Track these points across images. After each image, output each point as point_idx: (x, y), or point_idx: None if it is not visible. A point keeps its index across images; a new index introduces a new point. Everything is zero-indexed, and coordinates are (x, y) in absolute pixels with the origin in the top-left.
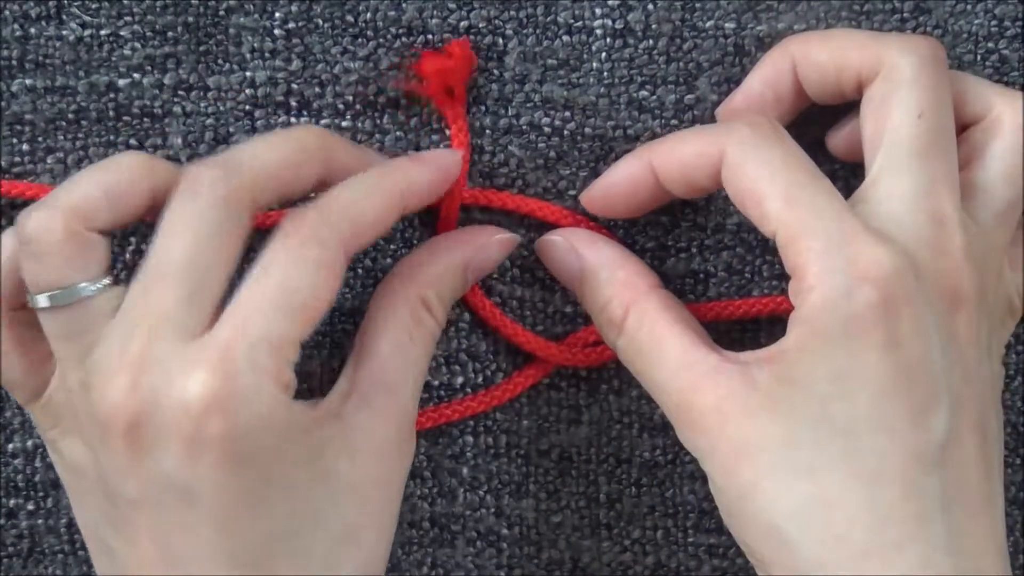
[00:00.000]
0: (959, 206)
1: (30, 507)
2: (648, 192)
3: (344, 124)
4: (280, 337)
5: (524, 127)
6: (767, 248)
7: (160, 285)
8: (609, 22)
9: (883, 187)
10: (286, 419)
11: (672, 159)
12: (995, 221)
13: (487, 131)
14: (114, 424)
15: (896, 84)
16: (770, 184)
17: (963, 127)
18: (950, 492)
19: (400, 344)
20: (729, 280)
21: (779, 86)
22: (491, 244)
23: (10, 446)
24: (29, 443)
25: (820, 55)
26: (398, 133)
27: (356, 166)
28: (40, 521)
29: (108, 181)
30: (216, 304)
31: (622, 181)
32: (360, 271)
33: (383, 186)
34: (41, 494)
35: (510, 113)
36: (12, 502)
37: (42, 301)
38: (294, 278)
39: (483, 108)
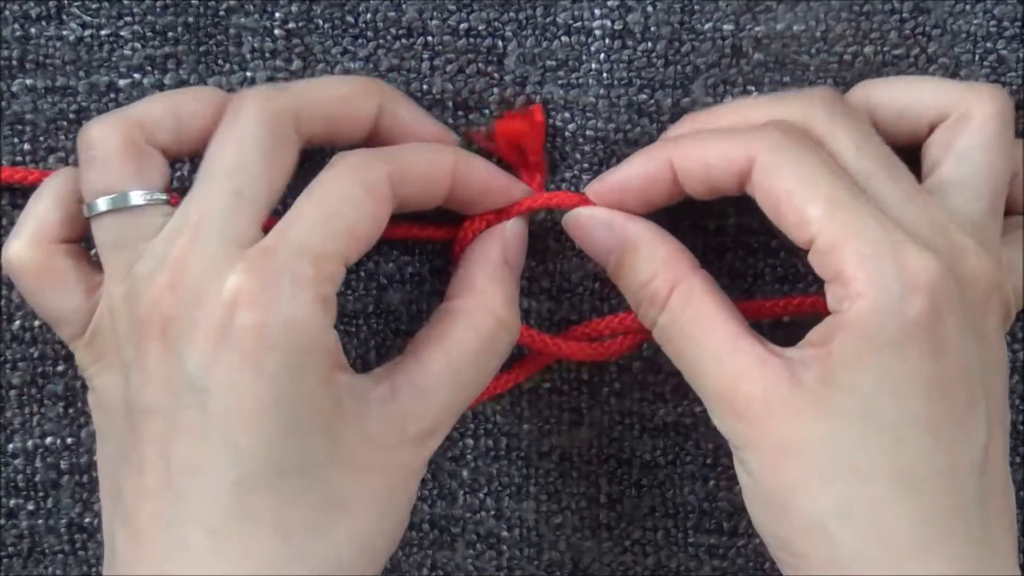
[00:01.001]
0: (947, 211)
1: (30, 507)
2: (663, 189)
3: None
4: (322, 249)
5: None
6: (769, 251)
7: (206, 187)
8: (608, 23)
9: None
10: (316, 335)
11: (695, 159)
12: (983, 216)
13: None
14: (151, 323)
15: (812, 132)
16: (810, 188)
17: (930, 127)
18: (985, 488)
19: (453, 363)
20: (732, 283)
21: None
22: (508, 225)
23: (10, 446)
24: (29, 443)
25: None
26: None
27: (414, 122)
28: (40, 521)
29: (173, 102)
30: (262, 217)
31: (638, 176)
32: (363, 274)
33: (440, 150)
34: (41, 494)
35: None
36: (12, 502)
37: (99, 206)
38: (340, 197)
39: (485, 112)
